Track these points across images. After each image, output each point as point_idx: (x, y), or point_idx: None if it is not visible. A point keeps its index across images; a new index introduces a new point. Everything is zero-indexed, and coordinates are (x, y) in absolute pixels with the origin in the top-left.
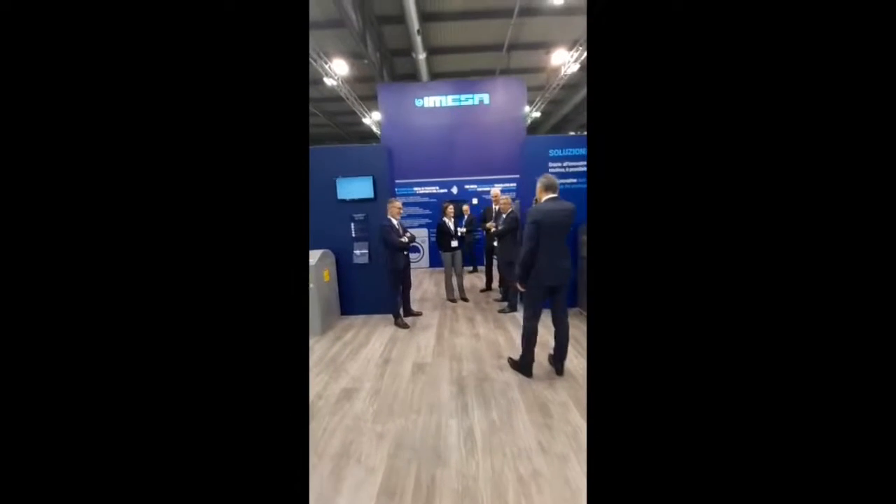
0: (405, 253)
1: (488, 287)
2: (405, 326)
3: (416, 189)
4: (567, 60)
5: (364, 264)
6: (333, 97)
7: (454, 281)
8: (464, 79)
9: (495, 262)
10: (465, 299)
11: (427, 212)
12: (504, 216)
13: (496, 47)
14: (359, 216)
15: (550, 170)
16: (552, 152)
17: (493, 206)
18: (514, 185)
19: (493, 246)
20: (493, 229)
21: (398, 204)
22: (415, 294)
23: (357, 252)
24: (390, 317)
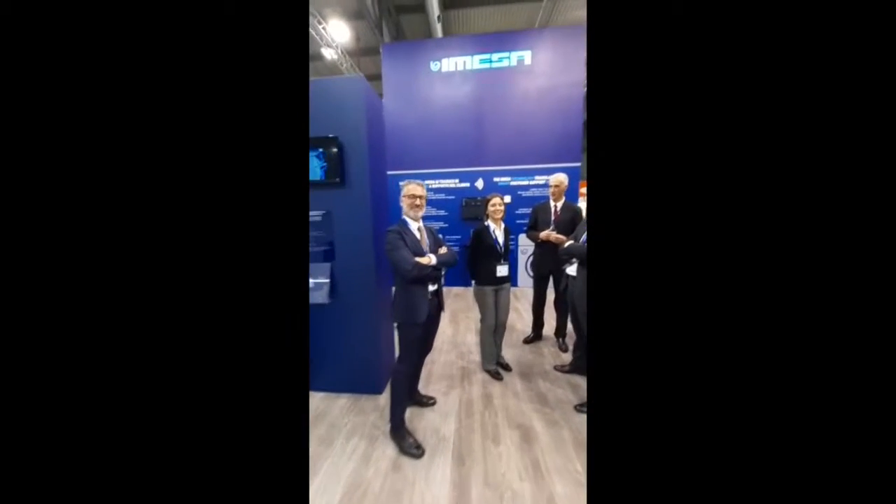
0: (427, 288)
1: (537, 335)
2: (415, 452)
3: (429, 183)
4: None
5: (322, 305)
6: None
7: (495, 336)
8: (496, 32)
9: (542, 296)
10: (503, 367)
11: (442, 213)
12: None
13: None
14: (314, 216)
15: None
16: None
17: (553, 204)
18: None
19: (561, 272)
20: (563, 241)
21: (415, 189)
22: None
23: (310, 283)
24: (375, 401)
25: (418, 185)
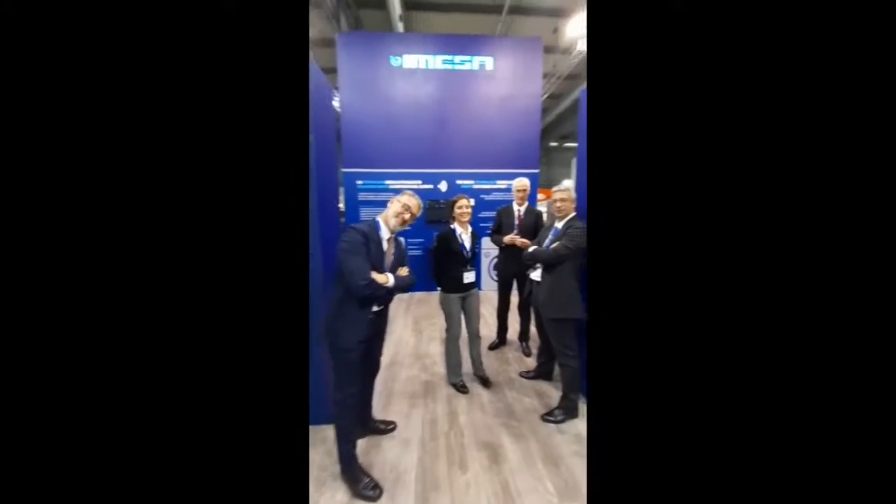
0: (370, 308)
1: (502, 340)
2: (371, 494)
3: (389, 183)
4: (585, 32)
5: None
6: None
7: (465, 348)
8: (460, 34)
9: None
10: (483, 382)
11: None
12: (559, 225)
13: (494, 8)
14: None
15: None
16: None
17: (516, 208)
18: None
19: (526, 276)
20: (527, 246)
21: (411, 202)
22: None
23: None
24: (320, 433)
25: (417, 201)
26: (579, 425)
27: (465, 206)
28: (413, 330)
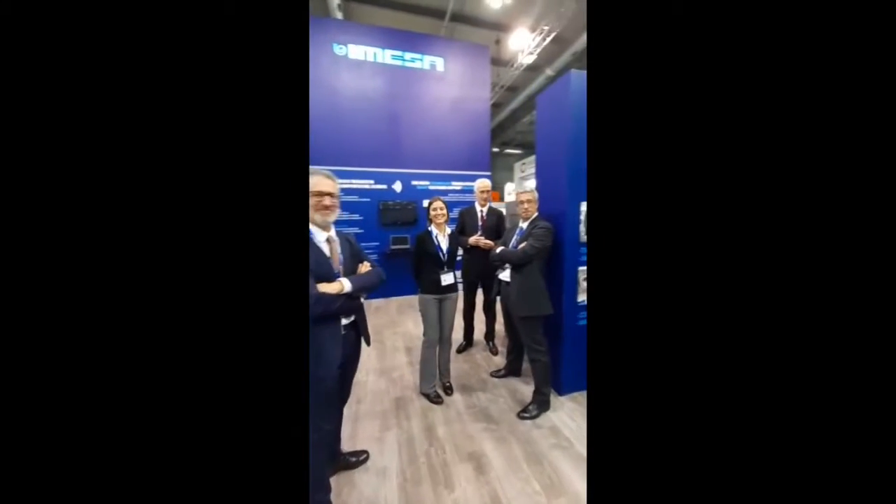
0: (339, 324)
1: (469, 342)
2: None
3: (340, 182)
4: (526, 47)
5: None
6: None
7: (439, 354)
8: (410, 31)
9: (485, 301)
10: (445, 389)
11: (356, 217)
12: (524, 226)
13: (437, 12)
14: None
15: None
16: None
17: (478, 208)
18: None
19: (491, 277)
20: (492, 247)
21: (322, 183)
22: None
23: None
24: None
25: (325, 177)
26: (552, 417)
27: (438, 207)
28: (375, 342)
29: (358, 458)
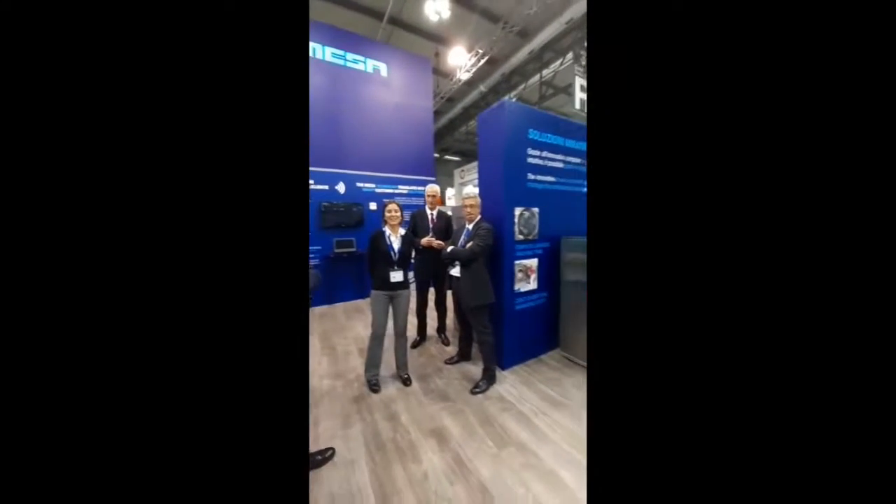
0: None
1: (423, 337)
2: None
3: None
4: (463, 65)
5: None
6: None
7: (396, 350)
8: (353, 32)
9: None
10: (404, 382)
11: None
12: (469, 227)
13: (375, 13)
14: None
15: (529, 159)
16: (532, 133)
17: (428, 211)
18: (420, 188)
19: (441, 275)
20: (443, 247)
21: None
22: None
23: None
24: None
25: None
26: (499, 388)
27: (393, 209)
28: (324, 347)
29: (324, 456)
